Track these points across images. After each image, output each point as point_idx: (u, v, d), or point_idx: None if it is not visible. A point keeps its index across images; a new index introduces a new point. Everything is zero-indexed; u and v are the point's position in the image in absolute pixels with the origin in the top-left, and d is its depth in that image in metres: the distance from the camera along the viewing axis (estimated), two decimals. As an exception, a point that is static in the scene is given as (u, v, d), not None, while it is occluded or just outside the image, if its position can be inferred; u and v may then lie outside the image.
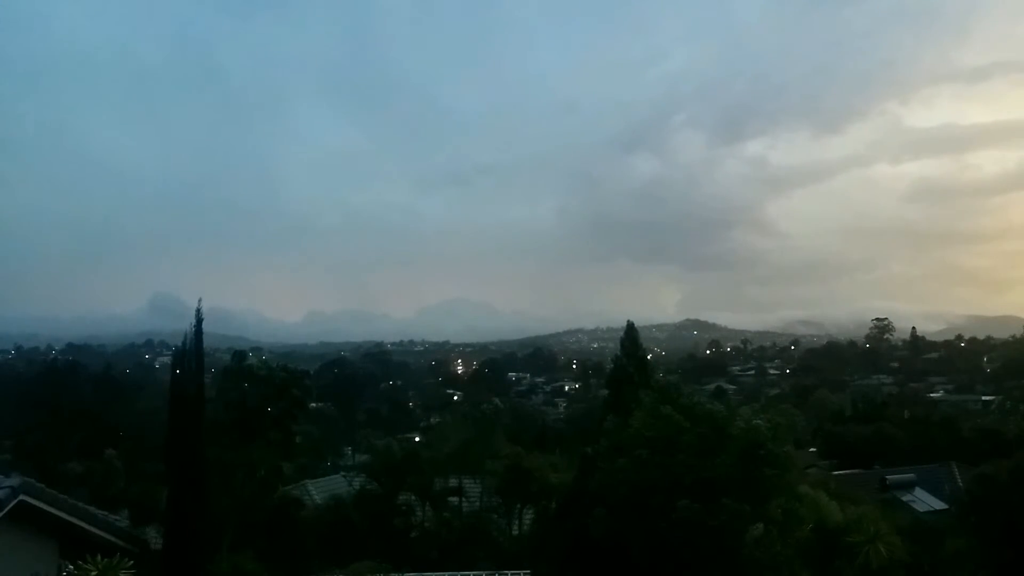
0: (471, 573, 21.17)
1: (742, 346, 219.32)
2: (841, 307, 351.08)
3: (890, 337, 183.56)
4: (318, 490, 32.63)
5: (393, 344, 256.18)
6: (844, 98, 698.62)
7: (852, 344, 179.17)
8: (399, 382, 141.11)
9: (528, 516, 27.14)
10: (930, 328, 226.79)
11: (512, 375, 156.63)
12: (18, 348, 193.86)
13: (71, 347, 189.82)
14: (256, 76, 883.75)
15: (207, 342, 19.29)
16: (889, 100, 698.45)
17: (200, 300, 19.23)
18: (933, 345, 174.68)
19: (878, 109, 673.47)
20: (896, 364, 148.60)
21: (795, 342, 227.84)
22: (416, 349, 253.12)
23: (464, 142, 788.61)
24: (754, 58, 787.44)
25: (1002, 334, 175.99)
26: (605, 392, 28.31)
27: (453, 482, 28.21)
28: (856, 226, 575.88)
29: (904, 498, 33.01)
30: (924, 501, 33.34)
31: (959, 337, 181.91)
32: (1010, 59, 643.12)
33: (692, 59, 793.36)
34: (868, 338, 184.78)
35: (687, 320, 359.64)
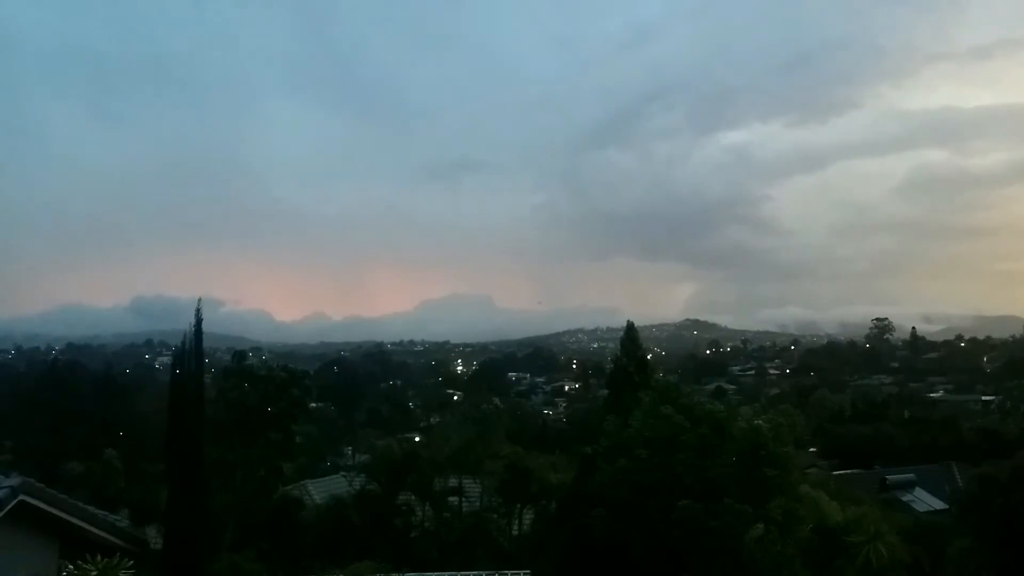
0: (471, 573, 21.12)
1: (742, 346, 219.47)
2: (841, 307, 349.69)
3: (890, 337, 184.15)
4: (318, 490, 32.56)
5: (393, 344, 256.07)
6: (839, 86, 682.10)
7: (852, 344, 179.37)
8: (399, 382, 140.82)
9: (528, 516, 27.11)
10: (930, 328, 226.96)
11: (512, 375, 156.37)
12: (18, 348, 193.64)
13: (71, 347, 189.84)
14: (225, 70, 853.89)
15: (207, 342, 19.32)
16: (882, 84, 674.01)
17: (200, 300, 19.25)
18: (933, 345, 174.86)
19: (873, 93, 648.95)
20: (896, 364, 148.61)
21: (795, 342, 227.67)
22: (416, 349, 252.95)
23: (445, 136, 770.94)
24: (743, 44, 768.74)
25: (1002, 334, 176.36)
26: (605, 392, 28.35)
27: (453, 482, 28.14)
28: (855, 222, 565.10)
29: (904, 498, 33.07)
30: (924, 501, 33.41)
31: (959, 337, 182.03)
32: (1013, 36, 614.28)
33: (679, 43, 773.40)
34: (868, 338, 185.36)
35: (687, 320, 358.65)
